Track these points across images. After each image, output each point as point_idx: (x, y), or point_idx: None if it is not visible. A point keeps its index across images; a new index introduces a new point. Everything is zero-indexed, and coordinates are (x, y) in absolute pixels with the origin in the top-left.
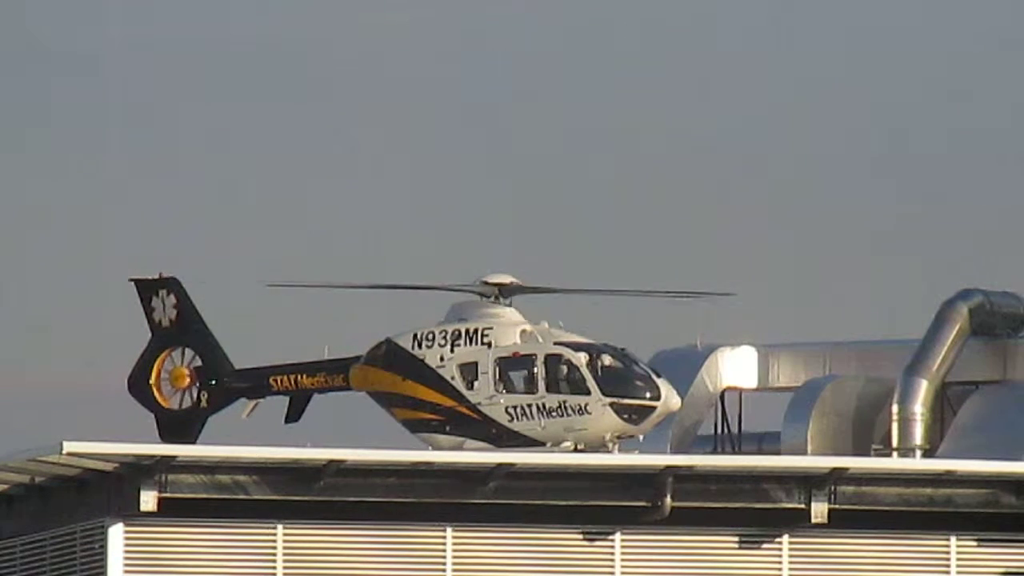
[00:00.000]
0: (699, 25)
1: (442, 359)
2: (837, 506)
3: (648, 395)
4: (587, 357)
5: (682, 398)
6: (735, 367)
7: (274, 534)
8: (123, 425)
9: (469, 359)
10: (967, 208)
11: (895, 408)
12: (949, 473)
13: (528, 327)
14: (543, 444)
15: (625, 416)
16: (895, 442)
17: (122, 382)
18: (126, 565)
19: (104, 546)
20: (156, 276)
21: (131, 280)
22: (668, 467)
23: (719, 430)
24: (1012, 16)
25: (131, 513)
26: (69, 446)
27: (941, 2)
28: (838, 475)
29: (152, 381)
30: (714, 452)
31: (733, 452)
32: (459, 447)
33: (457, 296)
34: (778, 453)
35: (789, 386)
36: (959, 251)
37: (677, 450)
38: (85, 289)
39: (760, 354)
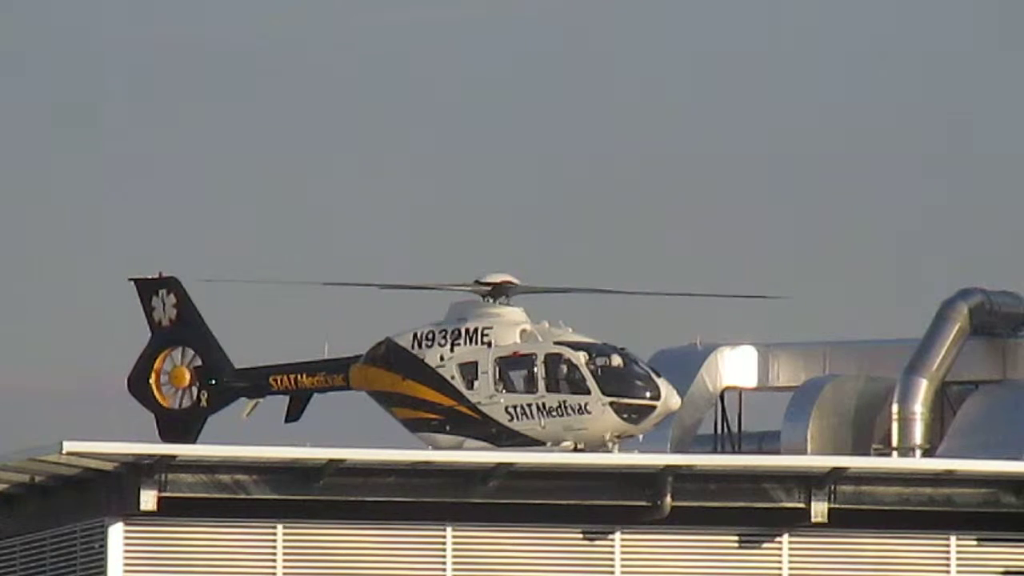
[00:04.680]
0: (699, 25)
1: (442, 359)
2: (837, 506)
3: (648, 395)
4: (587, 357)
5: (682, 398)
6: (735, 367)
7: (274, 534)
8: (123, 425)
9: (469, 359)
10: (967, 208)
11: (895, 408)
12: (949, 473)
13: (528, 327)
14: (543, 443)
15: (625, 416)
16: (895, 442)
17: (122, 382)
18: (126, 565)
19: (104, 546)
20: (156, 276)
21: (131, 280)
22: (668, 467)
23: (719, 430)
24: (1011, 17)
25: (131, 513)
26: (69, 446)
27: (941, 2)
28: (838, 475)
29: (152, 381)
30: (714, 452)
31: (733, 452)
32: (459, 446)
33: (457, 296)
34: (778, 453)
35: (789, 386)
36: (959, 251)
37: (677, 450)
38: (85, 289)
39: (760, 354)
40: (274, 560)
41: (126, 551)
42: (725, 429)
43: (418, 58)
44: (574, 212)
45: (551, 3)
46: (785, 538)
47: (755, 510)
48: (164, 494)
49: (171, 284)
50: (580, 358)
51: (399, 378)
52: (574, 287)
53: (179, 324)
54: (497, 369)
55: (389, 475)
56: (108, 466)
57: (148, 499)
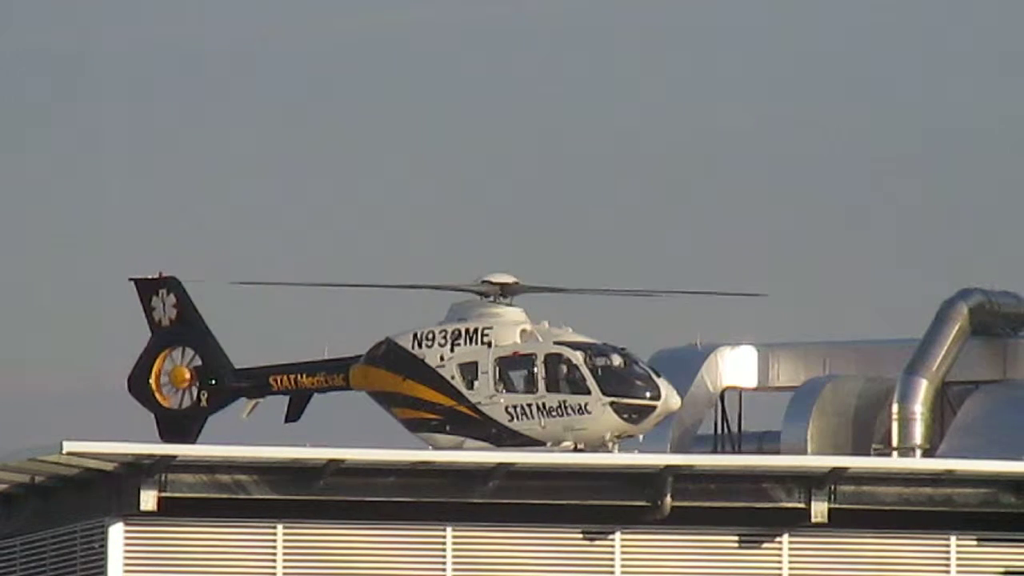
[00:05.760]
0: (699, 25)
1: (442, 359)
2: (837, 506)
3: (648, 395)
4: (587, 357)
5: (682, 398)
6: (735, 367)
7: (274, 534)
8: (123, 425)
9: (469, 359)
10: (967, 208)
11: (895, 408)
12: (949, 473)
13: (528, 327)
14: (543, 444)
15: (625, 416)
16: (895, 442)
17: (122, 382)
18: (126, 565)
19: (104, 546)
20: (156, 276)
21: (131, 280)
22: (668, 467)
23: (719, 430)
24: (1010, 18)
25: (131, 513)
26: (69, 446)
27: (940, 3)
28: (838, 475)
29: (152, 381)
30: (714, 452)
31: (733, 452)
32: (459, 446)
33: (457, 296)
34: (778, 453)
35: (789, 386)
36: (959, 251)
37: (677, 450)
38: (85, 289)
39: (760, 354)
40: (274, 560)
41: (126, 551)
42: (725, 429)
43: (418, 58)
44: (574, 212)
45: (551, 3)
46: (785, 538)
47: (755, 510)
48: (164, 494)
49: (171, 284)
50: (580, 358)
51: (399, 378)
52: (574, 287)
53: (179, 324)
54: (497, 369)
55: (389, 475)
56: (108, 466)
57: (148, 499)
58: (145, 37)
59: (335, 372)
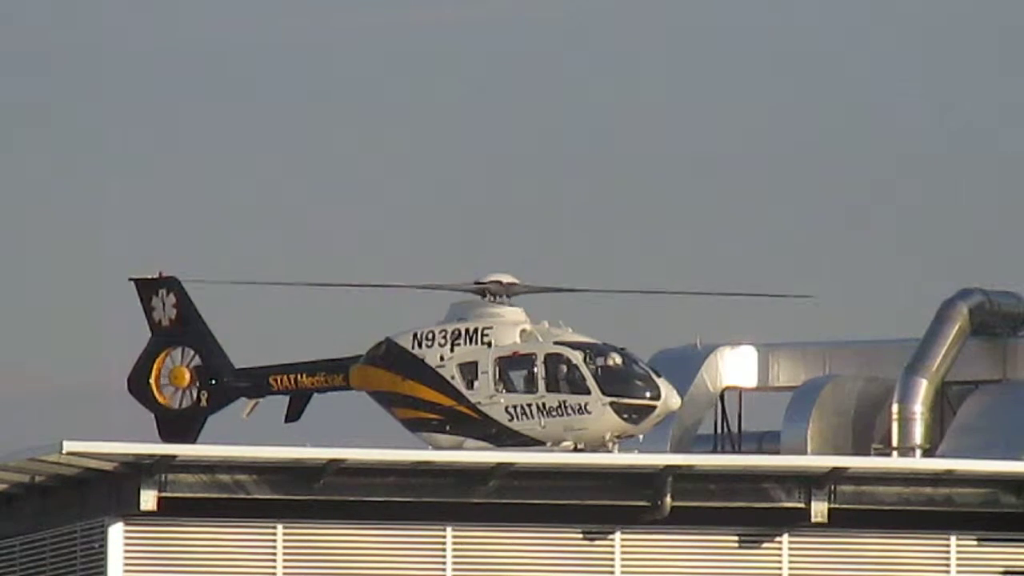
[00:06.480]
0: (699, 25)
1: (442, 359)
2: (837, 506)
3: (648, 395)
4: (587, 357)
5: (682, 398)
6: (735, 367)
7: (274, 534)
8: (123, 425)
9: (469, 358)
10: (967, 208)
11: (895, 408)
12: (949, 473)
13: (528, 327)
14: (543, 443)
15: (625, 416)
16: (895, 442)
17: (122, 382)
18: (126, 565)
19: (104, 546)
20: (156, 276)
21: (131, 280)
22: (668, 467)
23: (719, 430)
24: (1010, 18)
25: (131, 513)
26: (69, 446)
27: (940, 3)
28: (838, 475)
29: (152, 380)
30: (714, 452)
31: (733, 452)
32: (459, 446)
33: (457, 296)
34: (778, 453)
35: (789, 386)
36: (959, 251)
37: (677, 450)
38: (85, 289)
39: (760, 354)
40: (274, 560)
41: (126, 551)
42: (725, 429)
43: (418, 58)
44: (574, 212)
45: (551, 3)
46: (785, 538)
47: (755, 510)
48: (164, 494)
49: (171, 284)
50: (580, 358)
51: (399, 378)
52: (574, 287)
53: (179, 324)
54: (497, 369)
55: (389, 475)
56: (108, 466)
57: (148, 499)
58: (145, 37)
59: (335, 372)
